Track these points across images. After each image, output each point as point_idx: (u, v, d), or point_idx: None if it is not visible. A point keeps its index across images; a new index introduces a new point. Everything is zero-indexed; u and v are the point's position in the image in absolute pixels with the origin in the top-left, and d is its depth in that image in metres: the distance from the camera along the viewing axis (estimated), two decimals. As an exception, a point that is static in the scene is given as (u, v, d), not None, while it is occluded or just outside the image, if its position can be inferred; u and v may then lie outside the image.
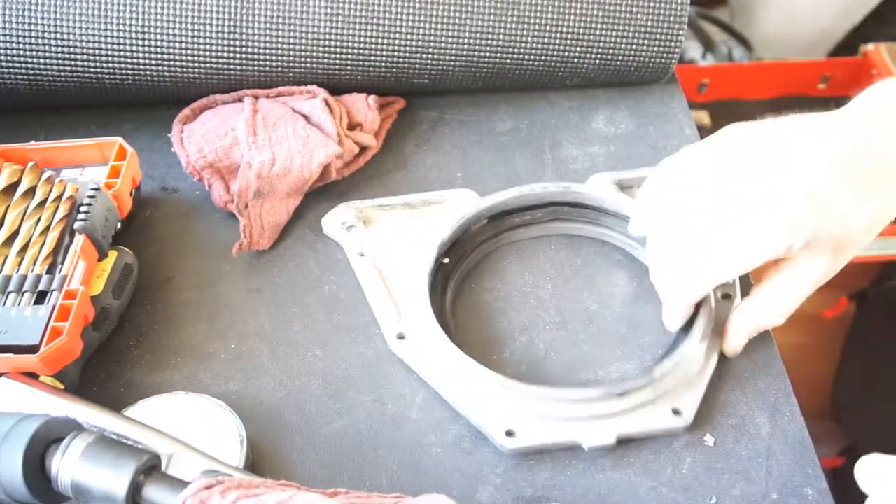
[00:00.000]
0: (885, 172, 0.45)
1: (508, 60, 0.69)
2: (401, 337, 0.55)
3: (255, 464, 0.50)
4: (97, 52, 0.65)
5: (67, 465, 0.40)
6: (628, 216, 0.59)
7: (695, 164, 0.51)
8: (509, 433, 0.50)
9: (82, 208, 0.55)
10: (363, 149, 0.67)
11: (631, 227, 0.57)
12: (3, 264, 0.54)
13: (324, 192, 0.66)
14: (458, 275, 0.60)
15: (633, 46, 0.70)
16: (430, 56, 0.68)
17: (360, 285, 0.59)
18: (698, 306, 0.54)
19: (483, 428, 0.51)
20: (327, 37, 0.66)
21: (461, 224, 0.60)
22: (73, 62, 0.65)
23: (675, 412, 0.51)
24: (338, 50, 0.67)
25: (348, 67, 0.68)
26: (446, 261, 0.59)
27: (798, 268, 0.50)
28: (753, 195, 0.47)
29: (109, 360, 0.56)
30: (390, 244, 0.61)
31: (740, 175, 0.48)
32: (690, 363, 0.53)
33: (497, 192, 0.62)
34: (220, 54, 0.66)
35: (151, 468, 0.41)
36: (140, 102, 0.70)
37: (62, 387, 0.51)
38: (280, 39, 0.66)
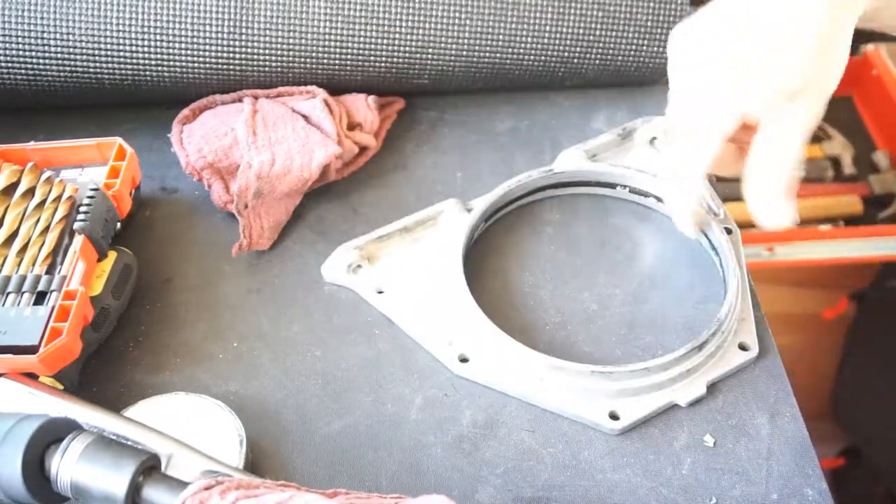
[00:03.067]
0: (846, 20, 0.50)
1: (508, 60, 0.69)
2: (463, 360, 0.55)
3: (255, 464, 0.50)
4: (96, 52, 0.65)
5: (67, 466, 0.40)
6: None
7: (707, 27, 0.53)
8: (613, 416, 0.52)
9: (82, 209, 0.55)
10: (363, 149, 0.67)
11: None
12: (2, 265, 0.54)
13: (324, 192, 0.66)
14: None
15: (633, 46, 0.70)
16: (430, 56, 0.68)
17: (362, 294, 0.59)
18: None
19: (587, 419, 0.52)
20: (327, 37, 0.66)
21: (468, 234, 0.60)
22: (72, 62, 0.65)
23: (742, 347, 0.55)
24: (338, 50, 0.67)
25: (348, 67, 0.68)
26: None
27: (795, 111, 0.51)
28: (771, 34, 0.50)
29: (109, 361, 0.56)
30: (403, 273, 0.60)
31: (753, 22, 0.51)
32: (735, 302, 0.56)
33: (485, 195, 0.63)
34: (219, 54, 0.66)
35: (151, 468, 0.41)
36: (140, 102, 0.70)
37: (62, 387, 0.51)
38: (280, 40, 0.66)
